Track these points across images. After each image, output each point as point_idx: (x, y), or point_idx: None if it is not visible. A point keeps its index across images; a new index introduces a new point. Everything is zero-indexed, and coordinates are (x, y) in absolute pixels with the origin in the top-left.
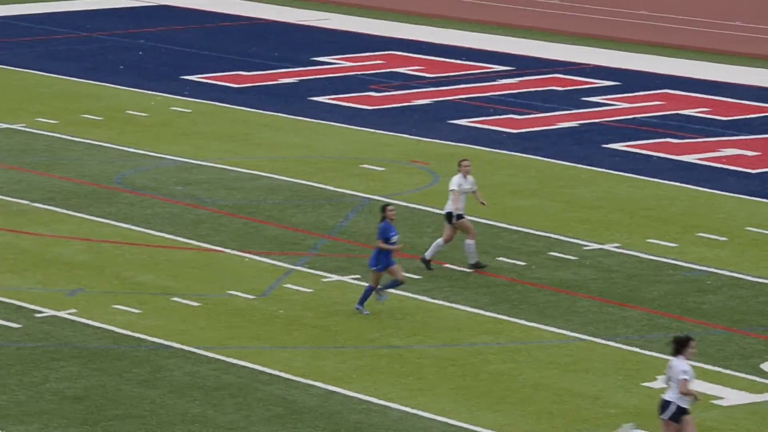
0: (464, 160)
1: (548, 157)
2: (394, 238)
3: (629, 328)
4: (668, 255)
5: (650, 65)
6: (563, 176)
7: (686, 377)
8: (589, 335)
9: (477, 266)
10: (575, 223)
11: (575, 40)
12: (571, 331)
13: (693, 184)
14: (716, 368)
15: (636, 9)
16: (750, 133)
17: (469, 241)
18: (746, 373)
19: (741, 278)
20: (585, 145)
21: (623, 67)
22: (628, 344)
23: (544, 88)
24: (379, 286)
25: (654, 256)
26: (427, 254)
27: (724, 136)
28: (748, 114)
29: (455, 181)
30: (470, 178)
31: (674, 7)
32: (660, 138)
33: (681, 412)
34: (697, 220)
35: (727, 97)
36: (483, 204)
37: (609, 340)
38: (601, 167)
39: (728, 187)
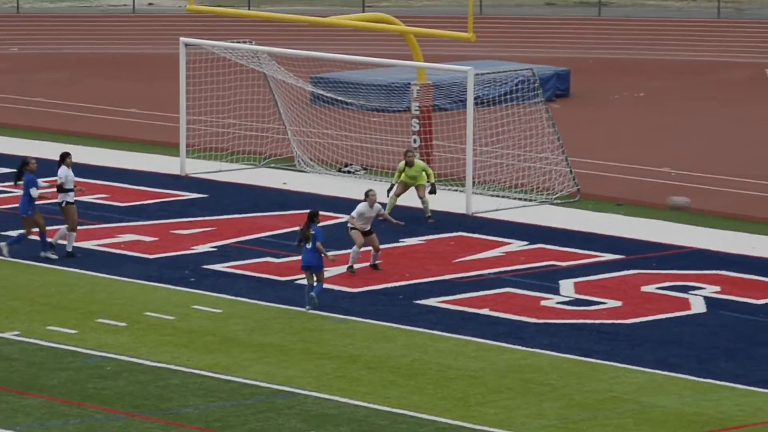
0: (370, 190)
1: None
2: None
3: (30, 417)
4: (69, 342)
5: (46, 152)
6: None
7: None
8: None
9: (351, 269)
10: None
11: None
12: None
13: (93, 270)
14: None
15: (33, 96)
16: (147, 218)
17: (355, 248)
18: None
19: (141, 363)
20: None
21: (4, 152)
22: None
23: None
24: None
25: (54, 343)
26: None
27: (122, 222)
28: (145, 200)
29: (356, 210)
30: (376, 206)
31: (69, 94)
32: None
33: None
34: (96, 306)
35: (125, 183)
36: (399, 223)
37: (9, 429)
38: None
39: (127, 273)
